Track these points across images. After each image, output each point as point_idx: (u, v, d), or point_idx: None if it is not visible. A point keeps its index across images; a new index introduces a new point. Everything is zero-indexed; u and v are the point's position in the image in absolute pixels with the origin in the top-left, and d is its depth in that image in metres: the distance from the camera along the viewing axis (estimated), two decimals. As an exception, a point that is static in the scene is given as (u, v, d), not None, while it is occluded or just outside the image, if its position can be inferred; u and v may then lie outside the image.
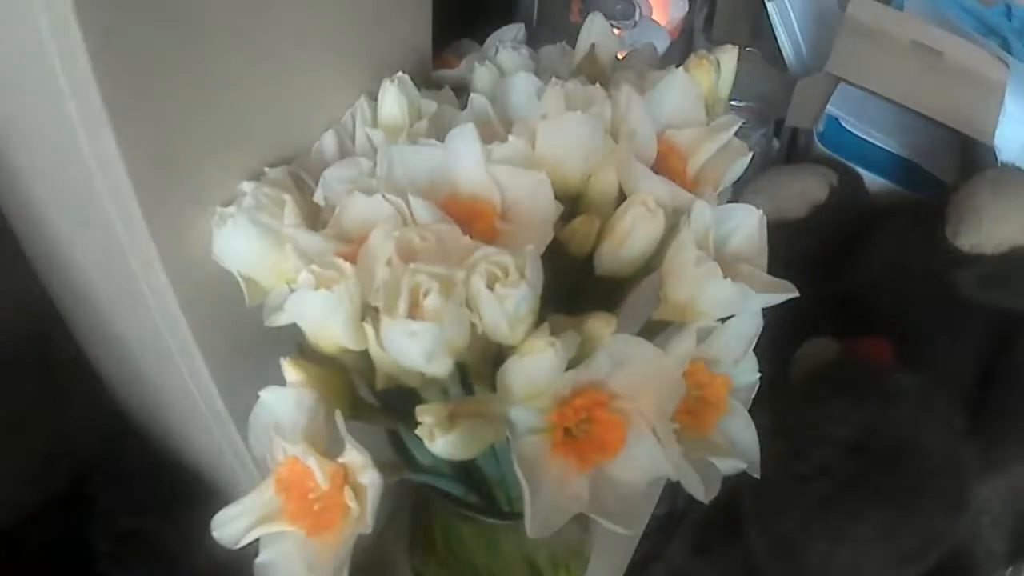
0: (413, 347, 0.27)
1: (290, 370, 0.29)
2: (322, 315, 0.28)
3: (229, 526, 0.29)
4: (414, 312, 0.27)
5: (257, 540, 0.29)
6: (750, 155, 0.34)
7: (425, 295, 0.27)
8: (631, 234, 0.31)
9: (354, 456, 0.28)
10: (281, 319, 0.30)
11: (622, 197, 0.32)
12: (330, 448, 0.28)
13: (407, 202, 0.29)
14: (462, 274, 0.27)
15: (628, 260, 0.31)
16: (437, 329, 0.26)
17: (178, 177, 0.31)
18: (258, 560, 0.29)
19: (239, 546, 0.29)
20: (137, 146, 0.28)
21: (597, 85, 0.33)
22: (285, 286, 0.31)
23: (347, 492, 0.27)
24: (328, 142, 0.35)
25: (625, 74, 0.37)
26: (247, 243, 0.31)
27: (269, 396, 0.29)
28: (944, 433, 0.47)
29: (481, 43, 0.46)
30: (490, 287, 0.27)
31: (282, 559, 0.29)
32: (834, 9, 0.75)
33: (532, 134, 0.31)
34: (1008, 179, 0.54)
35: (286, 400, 0.29)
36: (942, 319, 0.56)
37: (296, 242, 0.30)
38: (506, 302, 0.26)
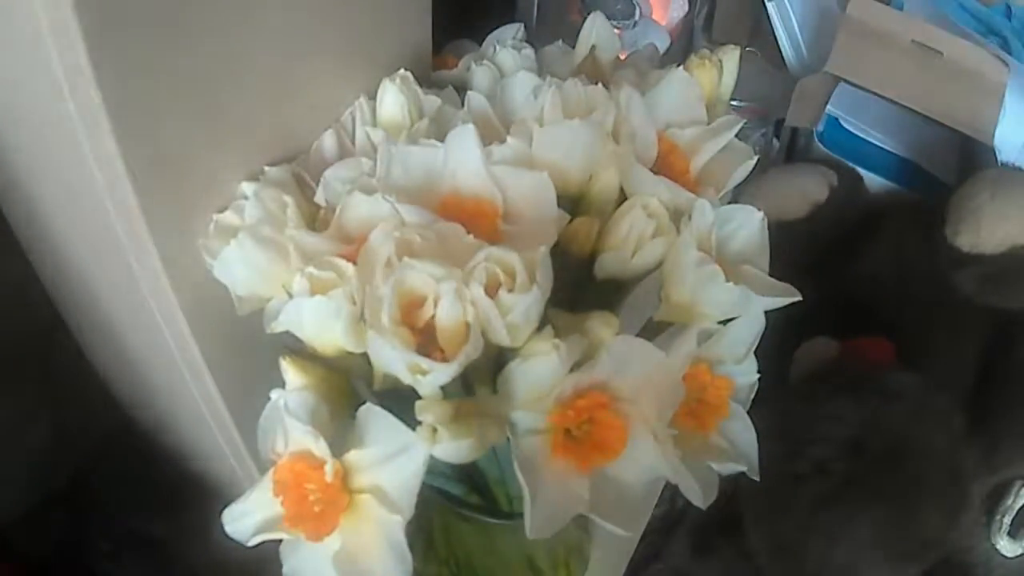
0: (422, 383, 0.26)
1: (290, 371, 0.29)
2: (318, 321, 0.28)
3: (239, 522, 0.29)
4: (411, 316, 0.27)
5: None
6: (755, 159, 0.34)
7: (435, 303, 0.26)
8: (631, 242, 0.31)
9: (387, 441, 0.28)
10: (280, 326, 0.30)
11: (624, 196, 0.32)
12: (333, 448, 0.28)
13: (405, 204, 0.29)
14: (458, 272, 0.27)
15: (631, 267, 0.31)
16: (452, 369, 0.26)
17: (177, 177, 0.31)
18: (285, 571, 0.29)
19: (250, 545, 0.29)
20: (136, 146, 0.28)
21: (599, 85, 0.33)
22: (285, 293, 0.31)
23: (367, 498, 0.27)
24: (328, 142, 0.35)
25: (626, 74, 0.37)
26: (251, 263, 0.31)
27: (277, 398, 0.29)
28: (944, 433, 0.47)
29: (480, 43, 0.46)
30: (493, 289, 0.27)
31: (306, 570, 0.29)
32: (834, 9, 0.75)
33: (530, 135, 0.31)
34: (1008, 179, 0.54)
35: (291, 400, 0.29)
36: (942, 319, 0.56)
37: (299, 244, 0.30)
38: (514, 311, 0.26)
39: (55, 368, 0.44)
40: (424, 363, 0.26)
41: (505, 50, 0.40)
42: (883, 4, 0.67)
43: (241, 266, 0.31)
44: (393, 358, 0.26)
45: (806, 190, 0.60)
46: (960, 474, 0.47)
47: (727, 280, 0.30)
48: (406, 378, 0.27)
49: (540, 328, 0.28)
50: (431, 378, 0.26)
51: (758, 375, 0.34)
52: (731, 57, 0.38)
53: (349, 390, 0.31)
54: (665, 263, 0.31)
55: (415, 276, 0.27)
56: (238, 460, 0.39)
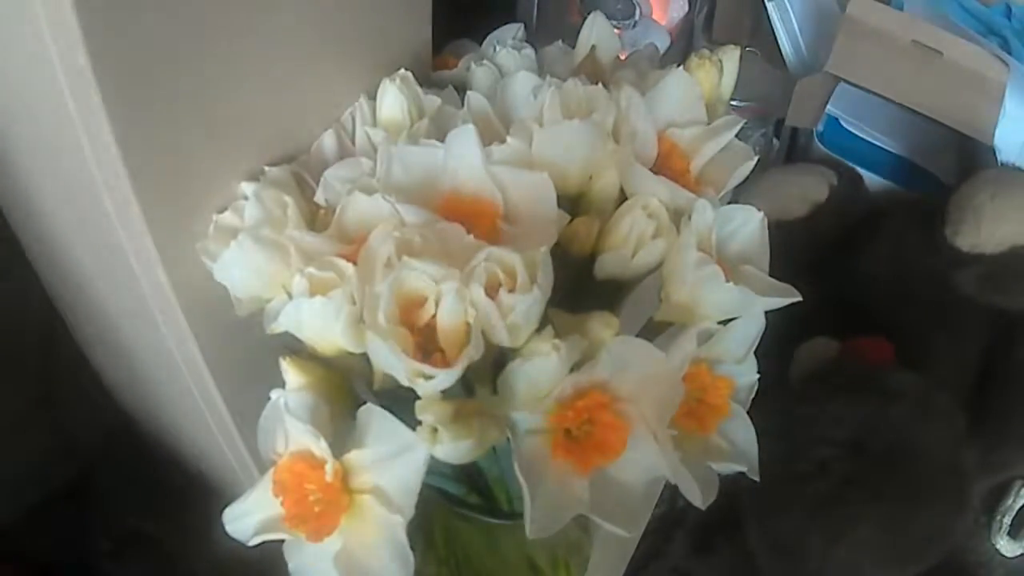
0: (423, 386, 0.26)
1: (290, 371, 0.29)
2: (318, 321, 0.28)
3: (240, 522, 0.29)
4: (410, 315, 0.27)
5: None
6: (755, 159, 0.33)
7: (437, 302, 0.26)
8: (631, 243, 0.31)
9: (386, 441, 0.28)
10: (280, 326, 0.30)
11: (624, 196, 0.32)
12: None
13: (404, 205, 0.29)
14: (457, 272, 0.27)
15: (631, 267, 0.31)
16: (454, 374, 0.26)
17: (177, 177, 0.31)
18: (290, 569, 0.29)
19: (251, 544, 0.29)
20: (136, 146, 0.28)
21: (599, 85, 0.33)
22: (284, 294, 0.31)
23: (367, 499, 0.27)
24: (328, 142, 0.35)
25: (626, 74, 0.37)
26: (251, 265, 0.30)
27: (278, 397, 0.29)
28: (944, 433, 0.47)
29: (480, 43, 0.46)
30: (493, 289, 0.26)
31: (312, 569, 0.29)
32: (834, 9, 0.75)
33: (530, 135, 0.31)
34: (1008, 179, 0.54)
35: (291, 400, 0.29)
36: (942, 319, 0.56)
37: (299, 244, 0.30)
38: (514, 312, 0.26)
39: (55, 368, 0.44)
40: (427, 370, 0.26)
41: (505, 50, 0.40)
42: (883, 4, 0.67)
43: (241, 268, 0.31)
44: (393, 363, 0.26)
45: (806, 190, 0.60)
46: (960, 474, 0.47)
47: (727, 280, 0.30)
48: (405, 381, 0.27)
49: (540, 328, 0.28)
50: (434, 384, 0.26)
51: (758, 375, 0.34)
52: (731, 57, 0.37)
53: (349, 390, 0.31)
54: (665, 263, 0.31)
55: (415, 276, 0.27)
56: (238, 460, 0.39)
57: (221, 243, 0.31)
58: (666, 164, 0.32)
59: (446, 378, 0.26)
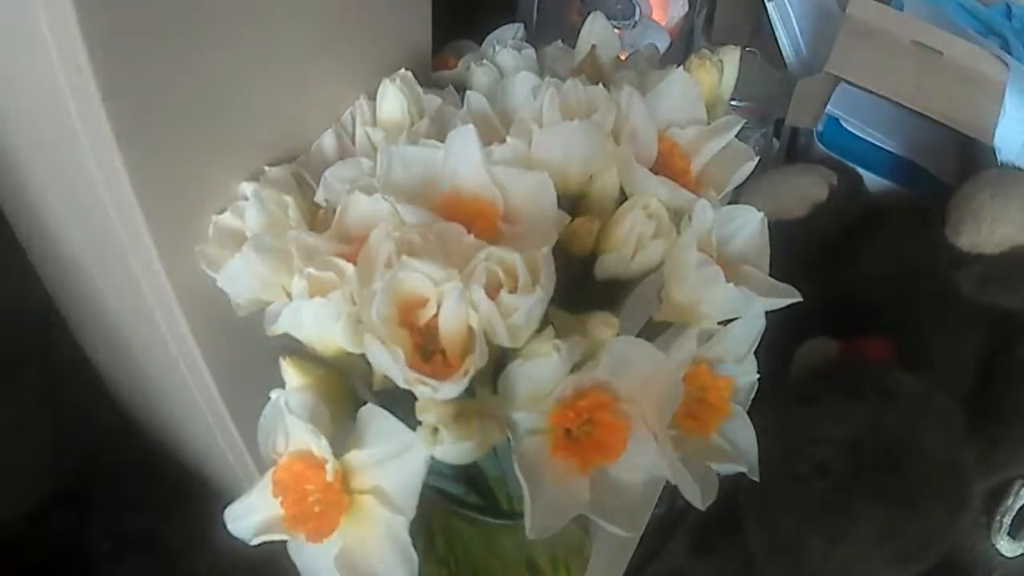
0: (425, 393, 0.26)
1: (290, 371, 0.29)
2: (318, 322, 0.28)
3: (240, 522, 0.29)
4: (410, 315, 0.27)
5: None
6: (756, 160, 0.33)
7: (438, 303, 0.26)
8: (632, 243, 0.31)
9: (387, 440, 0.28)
10: (280, 328, 0.30)
11: (624, 196, 0.32)
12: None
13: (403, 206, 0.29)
14: (457, 273, 0.27)
15: (631, 267, 0.31)
16: (458, 385, 0.26)
17: (178, 176, 0.31)
18: (299, 567, 0.29)
19: (253, 544, 0.29)
20: (136, 146, 0.28)
21: (600, 86, 0.33)
22: (284, 296, 0.31)
23: (368, 499, 0.27)
24: (328, 142, 0.35)
25: (626, 74, 0.37)
26: (256, 274, 0.30)
27: (278, 397, 0.29)
28: (944, 433, 0.47)
29: (480, 43, 0.46)
30: (494, 290, 0.26)
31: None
32: (834, 9, 0.75)
33: (529, 135, 0.31)
34: (1008, 179, 0.54)
35: (291, 400, 0.29)
36: (942, 319, 0.56)
37: (300, 245, 0.30)
38: (516, 312, 0.26)
39: (55, 368, 0.44)
40: (430, 382, 0.26)
41: (505, 50, 0.40)
42: (883, 4, 0.67)
43: (247, 278, 0.30)
44: (390, 367, 0.26)
45: (806, 190, 0.60)
46: (960, 474, 0.47)
47: (727, 280, 0.30)
48: (403, 384, 0.27)
49: (541, 329, 0.27)
50: (436, 394, 0.26)
51: (758, 375, 0.34)
52: (731, 57, 0.37)
53: (349, 390, 0.31)
54: (666, 264, 0.31)
55: (414, 278, 0.27)
56: (238, 460, 0.39)
57: (220, 246, 0.31)
58: (666, 164, 0.32)
59: (449, 390, 0.26)
